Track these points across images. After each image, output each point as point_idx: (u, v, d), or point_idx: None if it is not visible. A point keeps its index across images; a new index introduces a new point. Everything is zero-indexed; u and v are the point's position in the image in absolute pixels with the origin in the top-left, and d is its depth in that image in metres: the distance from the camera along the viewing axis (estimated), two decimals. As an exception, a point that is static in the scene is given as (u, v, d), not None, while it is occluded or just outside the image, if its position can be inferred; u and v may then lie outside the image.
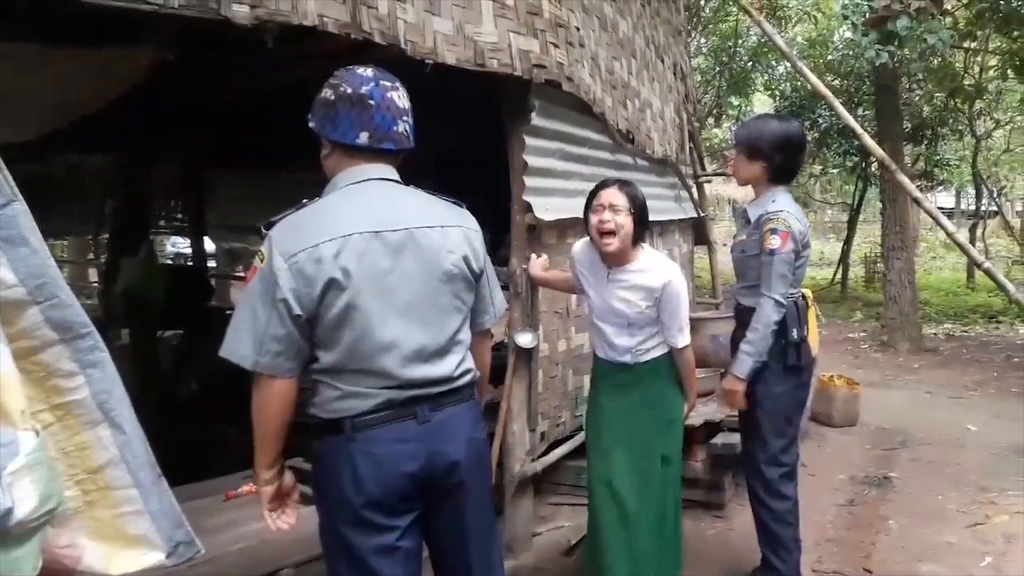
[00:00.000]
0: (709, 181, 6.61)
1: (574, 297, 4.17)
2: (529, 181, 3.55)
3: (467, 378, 1.99)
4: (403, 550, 1.89)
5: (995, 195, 16.39)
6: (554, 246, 3.91)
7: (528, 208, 3.53)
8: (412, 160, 2.04)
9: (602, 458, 2.89)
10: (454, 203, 2.05)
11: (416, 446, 1.86)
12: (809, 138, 13.49)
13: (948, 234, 5.04)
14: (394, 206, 1.89)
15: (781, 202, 2.99)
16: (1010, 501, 4.01)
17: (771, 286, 2.89)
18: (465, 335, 2.00)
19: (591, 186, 4.38)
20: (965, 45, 10.56)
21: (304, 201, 1.89)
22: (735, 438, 3.97)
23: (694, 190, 6.13)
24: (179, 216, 7.73)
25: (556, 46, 3.64)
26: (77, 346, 1.66)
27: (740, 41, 12.18)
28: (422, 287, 1.88)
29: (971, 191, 16.00)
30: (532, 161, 3.56)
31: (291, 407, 1.87)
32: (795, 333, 2.95)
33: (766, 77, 12.96)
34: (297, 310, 1.76)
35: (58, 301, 1.63)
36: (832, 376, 5.93)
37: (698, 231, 6.37)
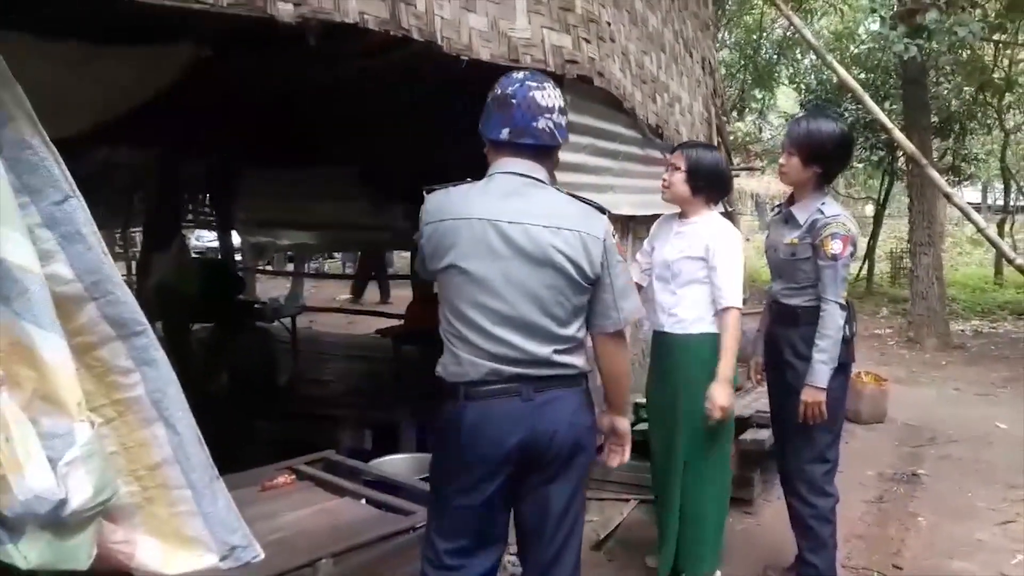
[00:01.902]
0: (737, 175, 6.57)
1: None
2: (562, 177, 3.56)
3: (565, 369, 2.10)
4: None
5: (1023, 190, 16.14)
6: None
7: (558, 204, 3.54)
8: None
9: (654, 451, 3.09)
10: (590, 205, 2.15)
11: (517, 420, 2.05)
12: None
13: (979, 229, 5.00)
14: (518, 200, 2.05)
15: (832, 206, 2.99)
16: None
17: (836, 291, 2.90)
18: (573, 332, 2.11)
19: (621, 181, 4.42)
20: (995, 37, 10.41)
21: (467, 179, 2.15)
22: (764, 434, 3.98)
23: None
24: (208, 211, 7.82)
25: (588, 41, 3.64)
26: (133, 343, 1.68)
27: (765, 34, 12.09)
28: (526, 280, 2.03)
29: (999, 186, 15.78)
30: (563, 157, 3.54)
31: None
32: (848, 331, 2.97)
33: (791, 70, 12.86)
34: (427, 267, 2.13)
35: (114, 298, 1.64)
36: (860, 373, 5.89)
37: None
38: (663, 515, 3.21)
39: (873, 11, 8.40)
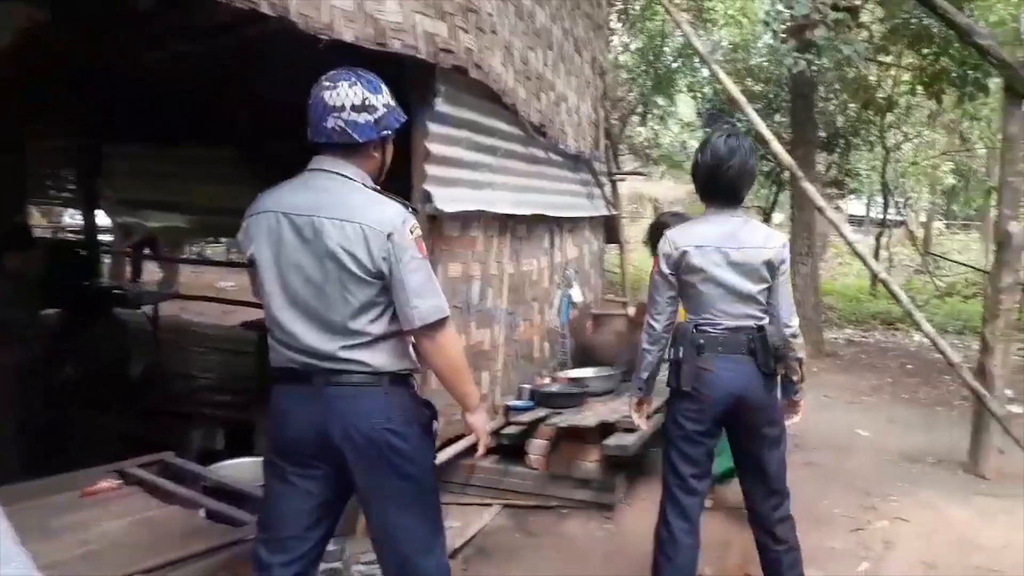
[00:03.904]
0: (623, 179, 6.59)
1: (475, 291, 4.08)
2: (431, 170, 3.43)
3: (357, 365, 2.10)
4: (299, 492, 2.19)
5: (901, 206, 17.02)
6: (456, 239, 3.80)
7: (429, 197, 3.40)
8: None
9: None
10: (393, 201, 2.16)
11: (310, 411, 2.12)
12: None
13: (848, 243, 5.14)
14: (313, 195, 2.12)
15: (677, 227, 2.94)
16: (891, 507, 4.09)
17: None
18: (363, 327, 2.11)
19: (500, 179, 4.32)
20: (879, 59, 10.89)
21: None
22: (628, 439, 3.96)
23: (608, 188, 6.10)
24: (70, 188, 7.30)
25: (465, 31, 3.51)
26: None
27: (666, 41, 12.24)
28: (314, 271, 2.08)
29: (881, 200, 16.56)
30: (435, 149, 3.44)
31: None
32: (671, 353, 2.91)
33: (690, 79, 13.08)
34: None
35: None
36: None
37: (610, 229, 6.35)
38: None
39: (767, 24, 8.61)
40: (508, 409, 4.27)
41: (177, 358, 5.65)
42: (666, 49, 12.04)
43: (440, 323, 2.14)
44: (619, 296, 6.96)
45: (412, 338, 2.18)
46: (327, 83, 2.13)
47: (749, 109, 5.40)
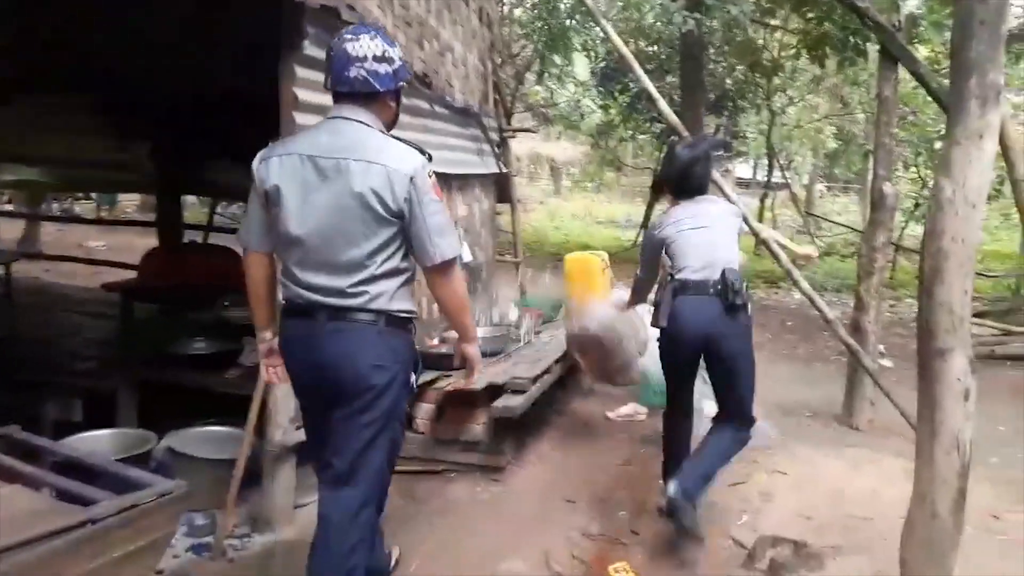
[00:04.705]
0: (514, 136, 6.45)
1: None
2: (300, 118, 3.17)
3: (362, 300, 2.27)
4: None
5: (785, 169, 17.61)
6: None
7: (298, 149, 3.15)
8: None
9: None
10: (408, 146, 2.32)
11: (311, 342, 2.31)
12: (621, 102, 13.86)
13: (733, 204, 5.18)
14: (336, 138, 2.27)
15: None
16: (769, 460, 4.18)
17: None
18: (377, 265, 2.27)
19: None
20: (766, 21, 11.09)
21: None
22: (516, 400, 3.89)
23: (499, 145, 5.95)
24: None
25: (336, -31, 3.25)
26: None
27: (560, -3, 12.07)
28: (337, 209, 2.23)
29: (765, 163, 17.08)
30: (304, 96, 3.19)
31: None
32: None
33: (584, 37, 13.01)
34: (260, 200, 2.35)
35: None
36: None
37: (501, 188, 6.21)
38: None
39: (658, -18, 8.58)
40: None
41: (33, 322, 5.18)
42: (560, 5, 11.86)
43: (453, 260, 2.34)
44: (513, 257, 6.87)
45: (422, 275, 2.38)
46: (349, 35, 2.30)
47: (639, 69, 5.34)
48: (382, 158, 2.24)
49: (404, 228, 2.28)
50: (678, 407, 3.64)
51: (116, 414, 3.84)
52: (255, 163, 2.34)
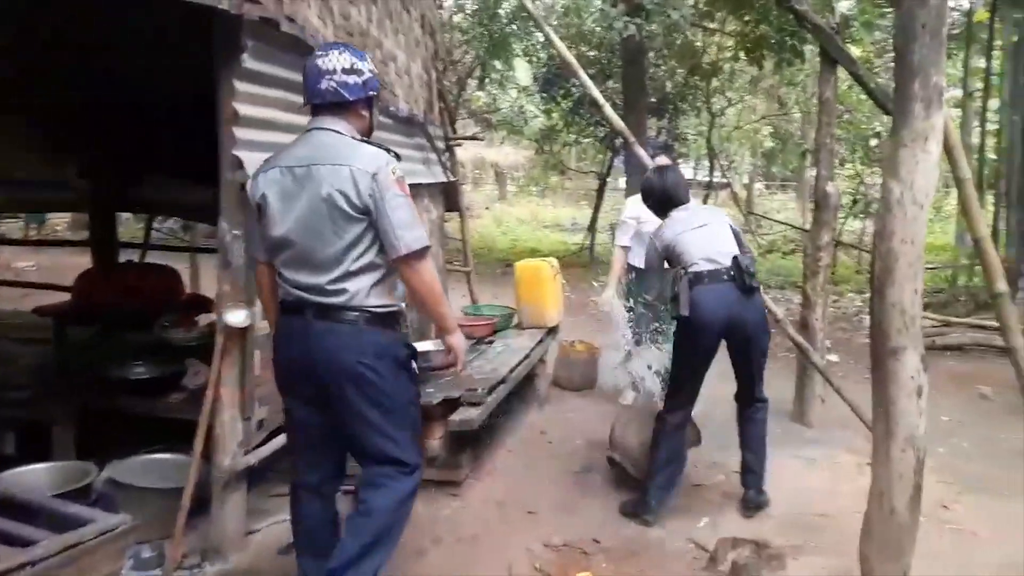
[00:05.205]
0: (460, 144, 6.40)
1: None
2: (241, 133, 3.07)
3: (342, 298, 2.44)
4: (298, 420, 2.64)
5: (725, 169, 17.91)
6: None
7: (240, 164, 3.05)
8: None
9: None
10: (374, 147, 2.49)
11: (298, 339, 2.51)
12: (563, 107, 13.90)
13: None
14: (310, 147, 2.49)
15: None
16: (730, 460, 4.19)
17: None
18: (351, 262, 2.44)
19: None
20: (705, 24, 11.27)
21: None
22: (473, 413, 3.83)
23: (445, 154, 5.88)
24: None
25: (274, -21, 3.16)
26: None
27: (500, 2, 12.04)
28: (312, 212, 2.42)
29: (707, 164, 17.35)
30: (244, 110, 3.08)
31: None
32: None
33: (525, 43, 13.02)
34: (255, 214, 2.61)
35: None
36: (573, 341, 6.02)
37: (449, 197, 6.15)
38: None
39: (597, -12, 8.64)
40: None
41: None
42: (500, 11, 11.86)
43: (421, 251, 2.45)
44: (463, 265, 6.81)
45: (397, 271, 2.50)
46: (320, 52, 2.55)
47: (583, 74, 5.37)
48: (349, 160, 2.41)
49: (373, 224, 2.42)
50: (679, 407, 3.76)
51: (52, 446, 3.66)
52: (248, 182, 2.61)
